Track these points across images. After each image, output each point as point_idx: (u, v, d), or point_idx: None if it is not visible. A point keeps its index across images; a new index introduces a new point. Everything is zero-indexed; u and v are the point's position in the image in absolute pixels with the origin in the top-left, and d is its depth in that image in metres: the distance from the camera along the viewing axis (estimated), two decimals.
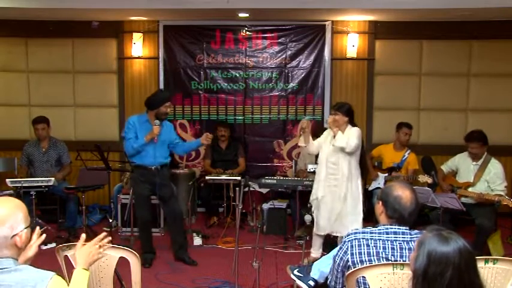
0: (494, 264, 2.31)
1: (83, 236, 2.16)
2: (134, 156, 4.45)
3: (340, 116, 4.21)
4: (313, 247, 4.47)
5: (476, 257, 1.80)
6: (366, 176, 5.35)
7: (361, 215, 4.23)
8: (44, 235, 2.05)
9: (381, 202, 2.32)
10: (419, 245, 1.76)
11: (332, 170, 4.23)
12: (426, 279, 1.70)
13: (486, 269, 2.29)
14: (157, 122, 4.40)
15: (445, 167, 5.08)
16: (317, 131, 5.80)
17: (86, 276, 2.00)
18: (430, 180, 4.65)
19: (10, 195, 4.80)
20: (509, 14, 5.57)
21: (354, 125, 4.29)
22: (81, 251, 2.10)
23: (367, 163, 5.63)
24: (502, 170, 4.72)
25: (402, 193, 2.26)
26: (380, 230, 2.27)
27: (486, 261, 2.31)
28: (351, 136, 4.16)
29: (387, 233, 2.25)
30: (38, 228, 2.05)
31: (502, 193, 4.54)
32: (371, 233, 2.28)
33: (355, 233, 2.31)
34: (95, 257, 2.10)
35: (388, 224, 2.29)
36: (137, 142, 4.40)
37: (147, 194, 4.54)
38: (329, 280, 2.47)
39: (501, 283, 2.32)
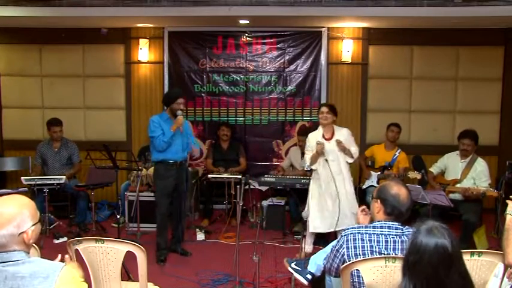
0: (479, 256, 2.33)
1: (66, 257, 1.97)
2: (165, 151, 4.32)
3: (331, 115, 4.51)
4: None
5: (463, 250, 1.81)
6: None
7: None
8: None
9: (379, 201, 2.31)
10: (412, 234, 1.78)
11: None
12: (407, 266, 1.72)
13: (472, 261, 2.31)
14: (179, 112, 4.33)
15: (434, 168, 5.08)
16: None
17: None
18: (419, 176, 4.67)
19: (25, 192, 4.82)
20: (492, 22, 5.61)
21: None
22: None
23: (361, 162, 5.64)
24: (487, 168, 4.74)
25: (399, 191, 2.28)
26: (375, 225, 2.28)
27: (472, 254, 2.33)
28: (352, 145, 4.49)
29: (381, 228, 2.27)
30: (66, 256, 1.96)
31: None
32: (366, 227, 2.30)
33: (352, 227, 2.33)
34: None
35: (383, 220, 2.30)
36: (165, 136, 4.29)
37: (172, 188, 4.38)
38: (324, 263, 2.49)
39: (485, 274, 2.34)
